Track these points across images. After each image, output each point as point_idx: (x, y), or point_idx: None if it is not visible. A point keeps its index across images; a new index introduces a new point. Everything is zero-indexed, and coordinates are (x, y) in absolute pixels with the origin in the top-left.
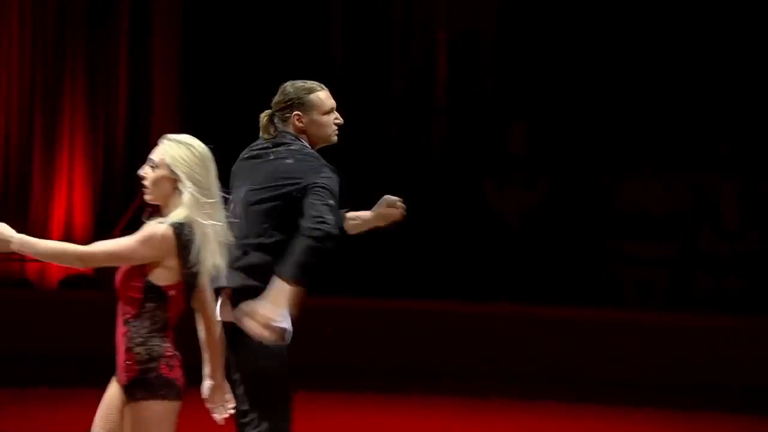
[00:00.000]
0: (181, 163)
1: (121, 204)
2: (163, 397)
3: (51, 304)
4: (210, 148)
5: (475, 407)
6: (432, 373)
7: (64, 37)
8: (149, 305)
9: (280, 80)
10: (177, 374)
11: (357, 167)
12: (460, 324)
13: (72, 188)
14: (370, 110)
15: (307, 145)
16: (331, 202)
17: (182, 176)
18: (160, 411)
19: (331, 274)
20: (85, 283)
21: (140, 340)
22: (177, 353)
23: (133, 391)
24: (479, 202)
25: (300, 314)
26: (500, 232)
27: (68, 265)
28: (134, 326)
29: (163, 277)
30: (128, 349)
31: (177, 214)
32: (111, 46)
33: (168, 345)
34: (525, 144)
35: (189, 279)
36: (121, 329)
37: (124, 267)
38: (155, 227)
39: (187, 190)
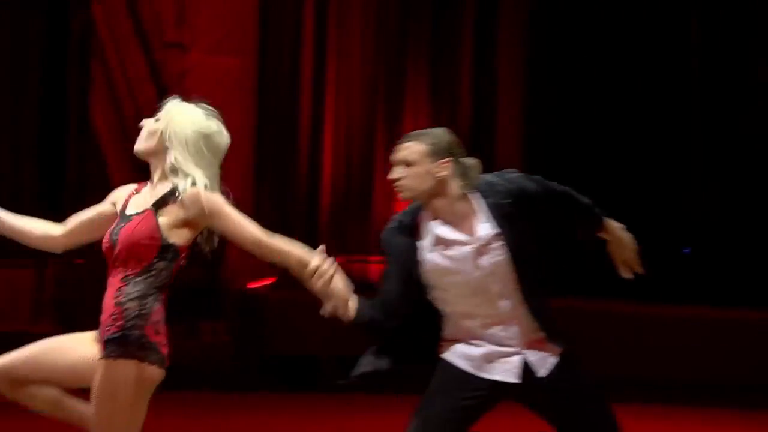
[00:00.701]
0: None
1: None
2: (141, 359)
3: None
4: (557, 150)
5: None
6: None
7: (407, 37)
8: (160, 265)
9: (634, 73)
10: (162, 341)
11: (718, 161)
12: None
13: None
14: (733, 98)
15: None
16: None
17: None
18: (134, 373)
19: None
20: None
21: (135, 295)
22: (165, 324)
23: (108, 347)
24: None
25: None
26: None
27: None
28: (135, 282)
29: (183, 237)
30: (118, 303)
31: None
32: (454, 46)
33: (159, 307)
34: None
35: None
36: (115, 285)
37: (134, 224)
38: (199, 190)
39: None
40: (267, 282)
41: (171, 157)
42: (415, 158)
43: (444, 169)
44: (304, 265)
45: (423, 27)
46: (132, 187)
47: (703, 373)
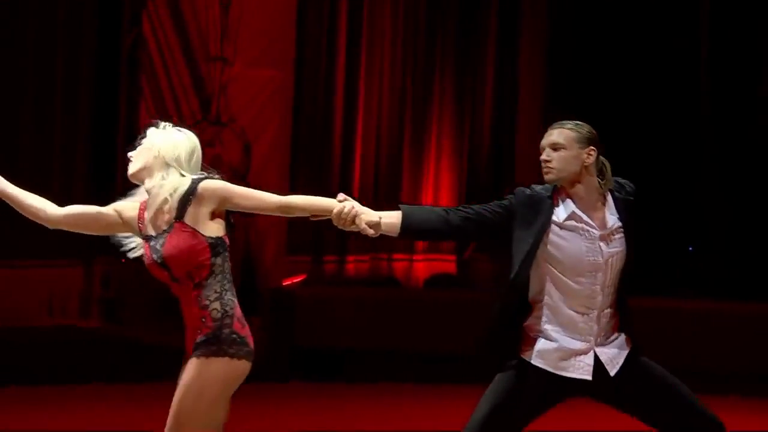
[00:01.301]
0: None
1: None
2: (232, 356)
3: (417, 303)
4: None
5: None
6: None
7: (435, 49)
8: (218, 261)
9: (650, 82)
10: (248, 333)
11: (723, 170)
12: None
13: (438, 192)
14: (737, 112)
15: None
16: None
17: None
18: (224, 370)
19: None
20: (448, 282)
21: (215, 296)
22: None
23: (201, 348)
24: None
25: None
26: None
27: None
28: (207, 284)
29: (217, 228)
30: (203, 307)
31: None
32: (477, 62)
33: (236, 301)
34: None
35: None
36: (190, 294)
37: (174, 241)
38: (206, 182)
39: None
40: (298, 279)
41: (166, 168)
42: (565, 143)
43: (590, 157)
44: (328, 212)
45: (448, 39)
46: (135, 205)
47: (704, 361)
